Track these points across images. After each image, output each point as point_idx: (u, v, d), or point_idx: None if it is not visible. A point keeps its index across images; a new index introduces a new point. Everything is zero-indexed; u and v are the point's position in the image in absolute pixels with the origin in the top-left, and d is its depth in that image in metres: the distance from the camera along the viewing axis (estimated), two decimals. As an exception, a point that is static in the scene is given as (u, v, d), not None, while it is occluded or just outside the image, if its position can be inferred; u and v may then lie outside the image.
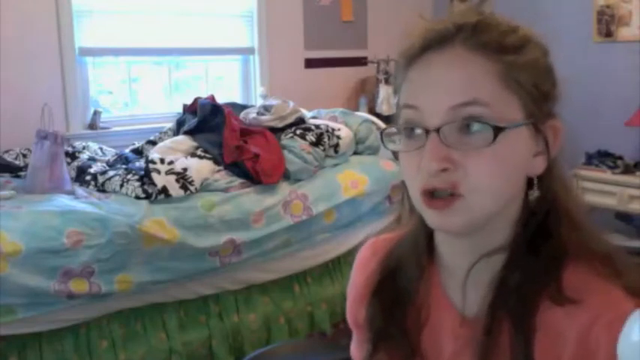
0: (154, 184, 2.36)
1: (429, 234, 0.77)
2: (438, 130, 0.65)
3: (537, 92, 0.68)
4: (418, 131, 0.68)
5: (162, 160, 2.46)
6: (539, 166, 0.70)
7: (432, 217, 0.69)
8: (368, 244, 0.90)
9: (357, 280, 0.87)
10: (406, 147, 0.70)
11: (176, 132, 2.99)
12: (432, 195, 0.67)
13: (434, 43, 0.68)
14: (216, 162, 2.66)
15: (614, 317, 0.62)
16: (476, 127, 0.65)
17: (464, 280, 0.72)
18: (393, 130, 0.73)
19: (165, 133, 3.04)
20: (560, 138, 0.71)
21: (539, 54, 0.70)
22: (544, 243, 0.69)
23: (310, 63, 4.11)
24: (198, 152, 2.70)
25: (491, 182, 0.66)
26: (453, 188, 0.65)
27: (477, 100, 0.65)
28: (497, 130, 0.64)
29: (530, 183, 0.71)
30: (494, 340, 0.68)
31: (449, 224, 0.68)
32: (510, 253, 0.70)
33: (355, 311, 0.86)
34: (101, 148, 2.94)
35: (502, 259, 0.70)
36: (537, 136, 0.69)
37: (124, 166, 2.57)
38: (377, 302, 0.81)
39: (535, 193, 0.70)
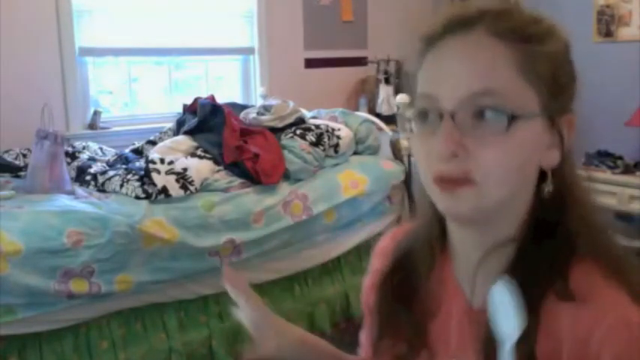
0: (154, 184, 2.35)
1: (442, 225, 0.77)
2: (452, 116, 0.65)
3: (555, 84, 0.68)
4: (432, 116, 0.68)
5: (162, 160, 2.46)
6: (552, 159, 0.69)
7: (442, 200, 0.68)
8: (389, 233, 0.91)
9: (376, 266, 0.87)
10: (419, 130, 0.70)
11: (176, 132, 2.99)
12: (443, 180, 0.67)
13: (456, 26, 0.68)
14: (216, 162, 2.66)
15: (618, 322, 0.62)
16: (490, 114, 0.65)
17: (474, 271, 0.72)
18: (409, 115, 0.72)
19: (165, 133, 3.04)
20: (574, 132, 0.70)
21: (560, 46, 0.69)
22: (553, 238, 0.69)
23: (310, 63, 4.11)
24: (198, 152, 2.69)
25: (504, 172, 0.65)
26: (466, 175, 0.65)
27: (494, 90, 0.65)
28: (512, 119, 0.64)
29: (543, 176, 0.70)
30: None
31: (458, 208, 0.67)
32: (519, 246, 0.70)
33: (369, 297, 0.86)
34: (101, 148, 2.94)
35: (511, 252, 0.70)
36: (552, 129, 0.68)
37: (124, 166, 2.57)
38: (387, 288, 0.82)
39: (548, 187, 0.69)
